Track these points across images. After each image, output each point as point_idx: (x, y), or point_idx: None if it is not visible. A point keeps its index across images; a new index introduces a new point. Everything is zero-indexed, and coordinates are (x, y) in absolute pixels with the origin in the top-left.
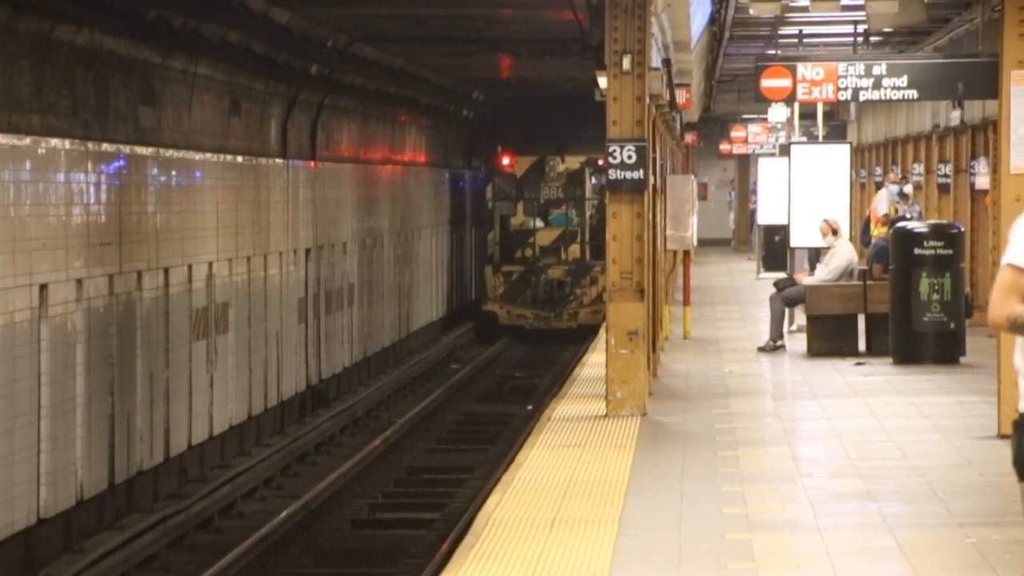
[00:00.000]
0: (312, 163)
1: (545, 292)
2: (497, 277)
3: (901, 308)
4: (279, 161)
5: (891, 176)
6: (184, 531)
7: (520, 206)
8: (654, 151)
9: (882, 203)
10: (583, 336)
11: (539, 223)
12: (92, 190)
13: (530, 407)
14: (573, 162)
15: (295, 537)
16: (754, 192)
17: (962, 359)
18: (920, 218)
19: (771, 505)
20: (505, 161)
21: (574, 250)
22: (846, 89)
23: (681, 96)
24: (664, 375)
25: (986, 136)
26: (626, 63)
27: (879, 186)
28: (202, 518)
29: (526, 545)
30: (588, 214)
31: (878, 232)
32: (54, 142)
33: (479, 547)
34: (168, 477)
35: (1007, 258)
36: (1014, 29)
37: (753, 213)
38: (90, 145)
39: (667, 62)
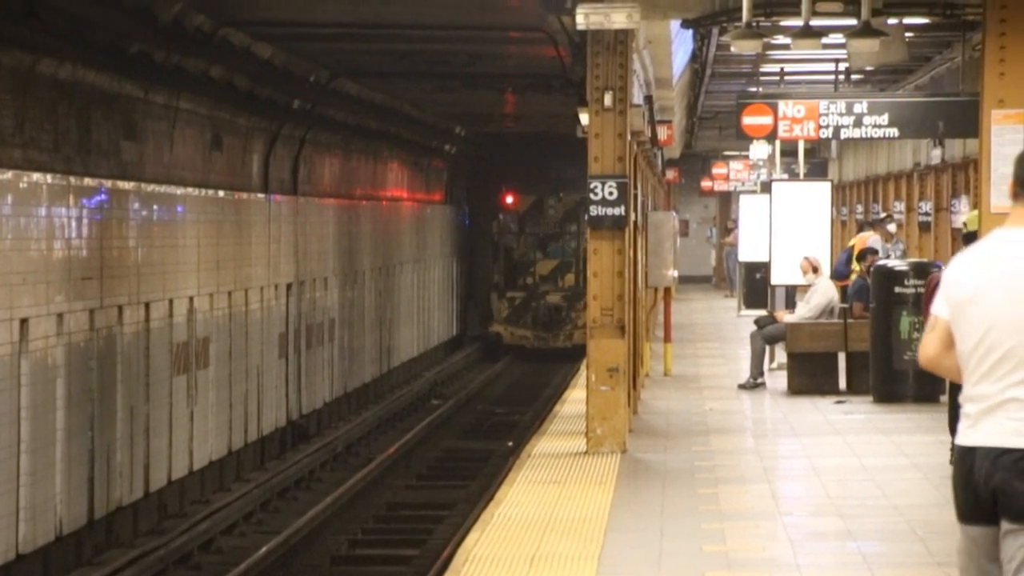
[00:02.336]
0: (294, 198)
1: (544, 315)
2: (502, 302)
3: (881, 346)
4: (261, 196)
5: (879, 229)
6: (163, 567)
7: (522, 239)
8: (635, 187)
9: (876, 243)
10: (578, 354)
11: (539, 254)
12: (73, 224)
13: (510, 443)
14: (569, 201)
15: (274, 573)
16: (728, 229)
17: (942, 398)
18: (904, 256)
19: (751, 543)
20: (509, 200)
21: (570, 278)
22: (827, 127)
23: (663, 133)
24: (644, 412)
25: (967, 175)
26: (608, 100)
27: (860, 224)
28: (181, 554)
29: None
30: (582, 247)
31: (860, 269)
32: (36, 176)
33: None
34: (148, 513)
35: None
36: (994, 68)
37: (726, 249)
38: (72, 179)
39: (649, 99)
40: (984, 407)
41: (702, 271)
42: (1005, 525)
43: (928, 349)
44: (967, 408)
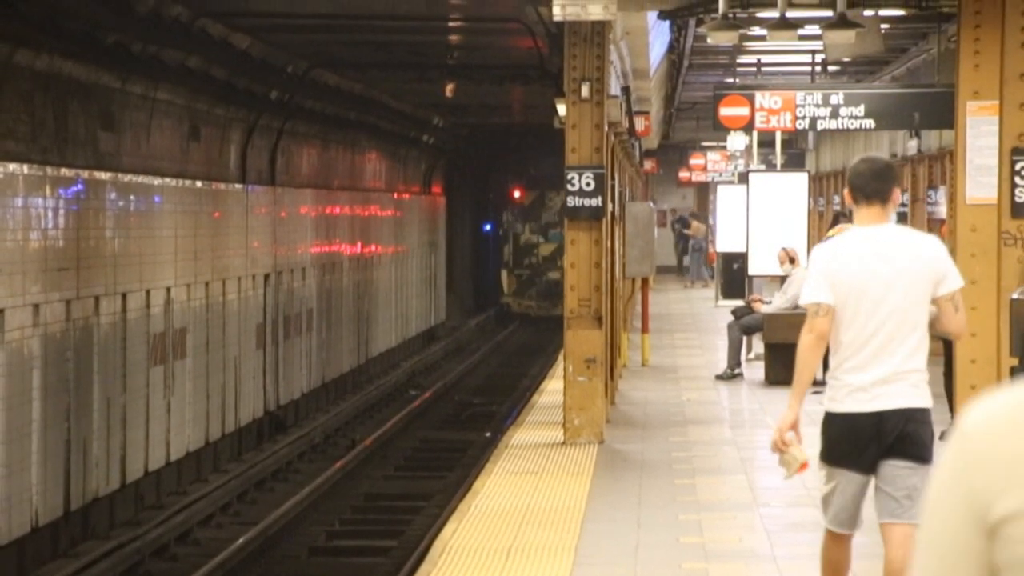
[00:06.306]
0: (272, 188)
1: (545, 289)
2: (511, 278)
3: None
4: (238, 186)
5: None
6: (139, 559)
7: (527, 227)
8: (613, 178)
9: None
10: None
11: (541, 239)
12: (50, 215)
13: (488, 434)
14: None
15: (251, 565)
16: (686, 220)
17: None
18: None
19: (728, 534)
20: (516, 195)
21: None
22: (804, 118)
23: (640, 124)
24: (622, 403)
25: (943, 166)
26: (585, 91)
27: (835, 215)
28: (158, 545)
29: (482, 573)
30: None
31: None
32: (12, 167)
33: (435, 575)
34: (124, 504)
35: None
36: (969, 60)
37: (691, 241)
38: (49, 170)
39: (626, 90)
40: (881, 378)
41: None
42: (901, 464)
43: (817, 333)
44: (861, 380)
